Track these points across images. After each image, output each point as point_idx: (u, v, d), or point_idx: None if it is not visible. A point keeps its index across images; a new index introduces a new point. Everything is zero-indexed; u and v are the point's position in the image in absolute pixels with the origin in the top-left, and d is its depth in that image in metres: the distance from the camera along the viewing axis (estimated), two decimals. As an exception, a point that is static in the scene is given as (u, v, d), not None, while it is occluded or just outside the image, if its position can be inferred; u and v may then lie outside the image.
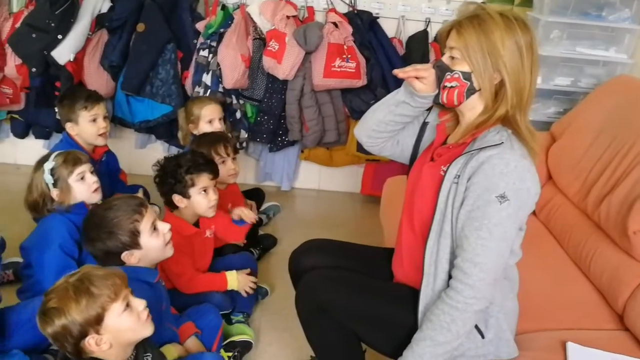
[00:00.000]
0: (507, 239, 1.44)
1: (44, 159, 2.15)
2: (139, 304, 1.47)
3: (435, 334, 1.46)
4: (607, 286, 1.93)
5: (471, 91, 1.49)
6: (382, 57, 3.19)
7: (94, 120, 2.60)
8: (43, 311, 1.39)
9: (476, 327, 1.53)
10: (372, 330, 1.60)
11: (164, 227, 1.81)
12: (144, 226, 1.75)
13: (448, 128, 1.67)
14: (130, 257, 1.74)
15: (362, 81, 3.16)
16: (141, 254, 1.75)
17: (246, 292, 2.27)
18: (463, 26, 1.47)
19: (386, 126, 1.70)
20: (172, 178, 2.19)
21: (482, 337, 1.54)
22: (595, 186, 2.14)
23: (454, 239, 1.49)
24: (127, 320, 1.43)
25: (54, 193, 2.11)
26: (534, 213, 2.46)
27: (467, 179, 1.45)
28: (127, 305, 1.43)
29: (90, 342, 1.39)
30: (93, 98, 2.63)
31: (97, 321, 1.38)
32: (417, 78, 1.55)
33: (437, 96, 1.56)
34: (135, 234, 1.73)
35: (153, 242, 1.77)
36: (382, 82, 3.20)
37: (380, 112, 1.70)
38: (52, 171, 2.10)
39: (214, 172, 2.26)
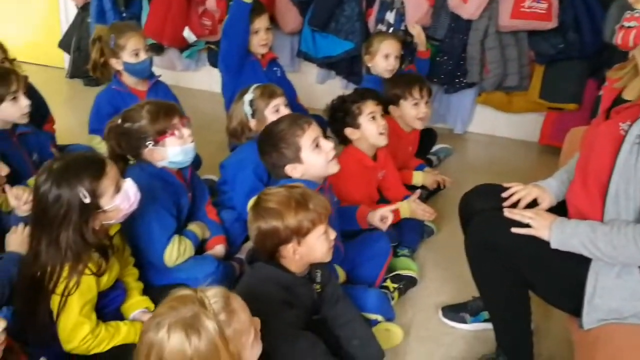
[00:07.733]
0: None
1: (244, 91, 2.31)
2: (332, 233, 1.60)
3: (599, 238, 1.42)
4: None
5: None
6: (578, -4, 2.98)
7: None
8: (261, 207, 1.53)
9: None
10: (541, 276, 1.58)
11: (326, 144, 1.87)
12: (305, 141, 1.84)
13: (622, 81, 1.54)
14: (294, 171, 1.85)
15: (552, 23, 2.98)
16: (304, 168, 1.85)
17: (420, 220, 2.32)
18: None
19: None
20: (340, 112, 2.29)
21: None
22: None
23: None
24: (322, 244, 1.56)
25: (252, 123, 2.28)
26: None
27: None
28: (325, 232, 1.57)
29: (289, 249, 1.54)
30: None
31: (303, 234, 1.53)
32: None
33: (611, 36, 1.44)
34: (297, 147, 1.83)
35: (314, 157, 1.85)
36: (574, 26, 2.97)
37: None
38: (251, 103, 2.26)
39: (378, 98, 2.31)
